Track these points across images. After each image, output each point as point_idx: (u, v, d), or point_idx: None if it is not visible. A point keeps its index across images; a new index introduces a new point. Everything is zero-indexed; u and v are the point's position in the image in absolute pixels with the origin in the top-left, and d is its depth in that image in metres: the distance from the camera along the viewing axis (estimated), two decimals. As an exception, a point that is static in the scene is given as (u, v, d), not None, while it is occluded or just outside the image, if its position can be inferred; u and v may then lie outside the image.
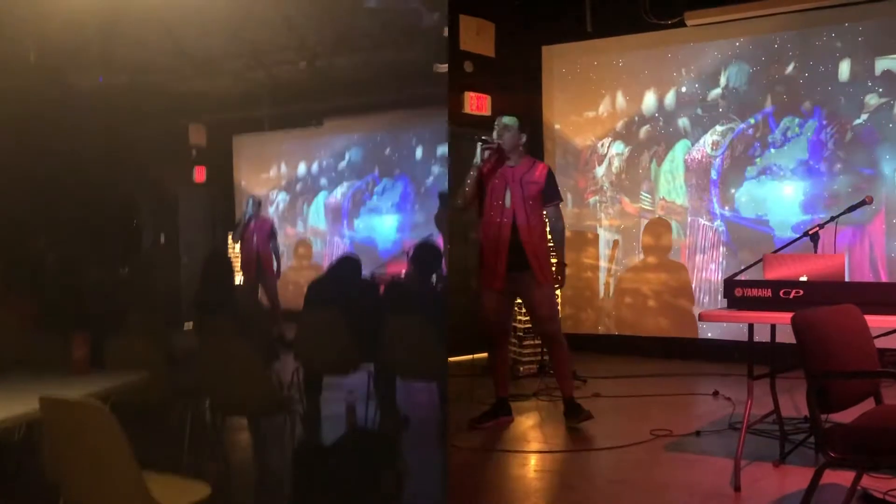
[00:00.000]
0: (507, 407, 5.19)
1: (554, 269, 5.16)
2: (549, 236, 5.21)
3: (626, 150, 7.90)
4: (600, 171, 8.03)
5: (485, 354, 5.52)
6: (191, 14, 2.10)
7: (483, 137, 4.97)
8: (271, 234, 6.45)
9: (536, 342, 6.55)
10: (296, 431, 4.86)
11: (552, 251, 5.21)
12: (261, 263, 6.12)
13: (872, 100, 6.83)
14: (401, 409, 5.57)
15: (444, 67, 2.84)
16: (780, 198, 7.20)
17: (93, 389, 3.41)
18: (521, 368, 6.56)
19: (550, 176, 5.09)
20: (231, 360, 4.37)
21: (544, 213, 5.10)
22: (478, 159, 4.90)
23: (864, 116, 6.85)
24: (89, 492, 2.84)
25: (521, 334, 6.60)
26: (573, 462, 4.37)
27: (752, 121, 7.32)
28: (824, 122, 7.02)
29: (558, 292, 5.60)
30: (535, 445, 4.64)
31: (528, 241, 4.94)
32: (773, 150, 7.24)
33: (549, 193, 5.07)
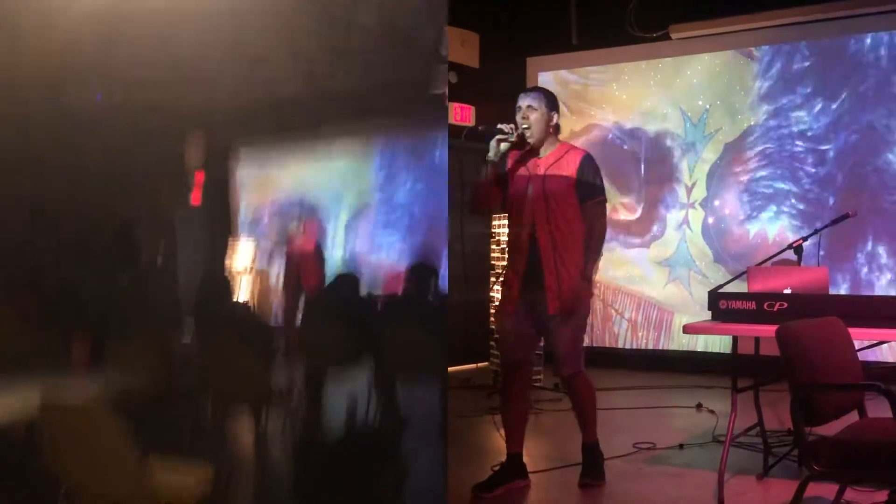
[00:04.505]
0: (522, 467, 4.12)
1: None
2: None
3: (612, 161, 7.91)
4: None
5: (463, 366, 5.30)
6: (188, 28, 2.09)
7: (498, 126, 3.88)
8: (317, 250, 6.20)
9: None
10: (296, 432, 4.78)
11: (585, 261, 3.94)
12: (301, 282, 5.93)
13: (856, 114, 6.87)
14: (400, 410, 5.50)
15: (444, 78, 2.81)
16: (766, 210, 7.22)
17: (93, 391, 3.38)
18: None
19: (586, 166, 3.93)
20: (230, 365, 4.32)
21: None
22: (491, 154, 3.85)
23: (847, 130, 6.89)
24: (91, 490, 2.82)
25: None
26: (556, 475, 4.34)
27: (737, 133, 7.35)
28: (809, 135, 7.06)
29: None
30: (517, 458, 4.60)
31: (548, 255, 3.87)
32: (758, 163, 7.26)
33: (585, 188, 3.91)
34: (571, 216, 3.91)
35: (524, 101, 3.93)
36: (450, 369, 7.38)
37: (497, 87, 8.05)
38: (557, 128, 4.04)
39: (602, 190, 4.01)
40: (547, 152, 3.97)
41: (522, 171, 3.98)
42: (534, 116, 3.91)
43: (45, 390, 2.90)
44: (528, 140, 3.92)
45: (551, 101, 3.98)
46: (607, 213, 4.12)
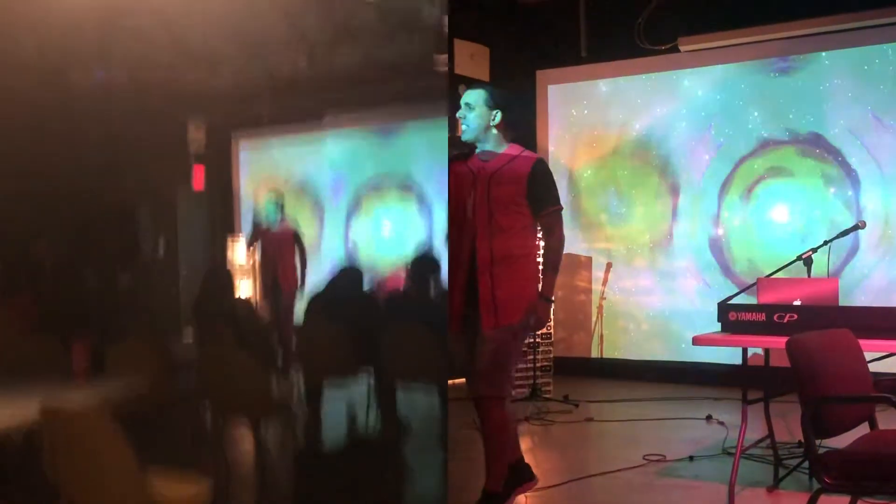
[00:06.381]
0: (525, 469, 3.90)
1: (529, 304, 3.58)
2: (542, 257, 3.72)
3: (620, 173, 7.92)
4: (594, 193, 8.04)
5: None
6: (190, 8, 2.11)
7: None
8: (294, 241, 6.05)
9: (528, 364, 6.52)
10: (296, 437, 4.78)
11: (540, 276, 3.66)
12: (276, 275, 5.81)
13: (867, 123, 6.87)
14: (401, 413, 5.48)
15: (444, 60, 2.82)
16: (771, 222, 7.21)
17: (93, 395, 3.41)
18: (513, 392, 6.52)
19: (539, 172, 3.59)
20: (231, 367, 4.34)
21: (536, 225, 3.68)
22: None
23: (860, 141, 6.89)
24: (90, 496, 2.84)
25: (513, 357, 6.57)
26: (566, 487, 4.33)
27: (744, 145, 7.35)
28: (819, 146, 7.05)
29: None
30: (527, 470, 4.59)
31: (485, 268, 3.55)
32: (766, 175, 7.26)
33: (537, 197, 3.59)
34: (517, 227, 3.59)
35: (463, 100, 3.67)
36: (458, 381, 7.39)
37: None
38: (500, 127, 3.66)
39: (557, 198, 3.67)
40: (493, 156, 3.64)
41: (466, 176, 3.65)
42: (470, 115, 3.63)
43: (44, 398, 2.91)
44: (463, 139, 3.66)
45: (494, 99, 3.65)
46: (563, 221, 3.74)
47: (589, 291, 8.03)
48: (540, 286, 3.65)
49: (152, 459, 2.81)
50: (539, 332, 6.54)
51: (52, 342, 4.19)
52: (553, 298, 3.72)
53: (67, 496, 2.97)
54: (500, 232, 3.57)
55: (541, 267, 3.69)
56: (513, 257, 3.58)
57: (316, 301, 5.62)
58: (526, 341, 6.38)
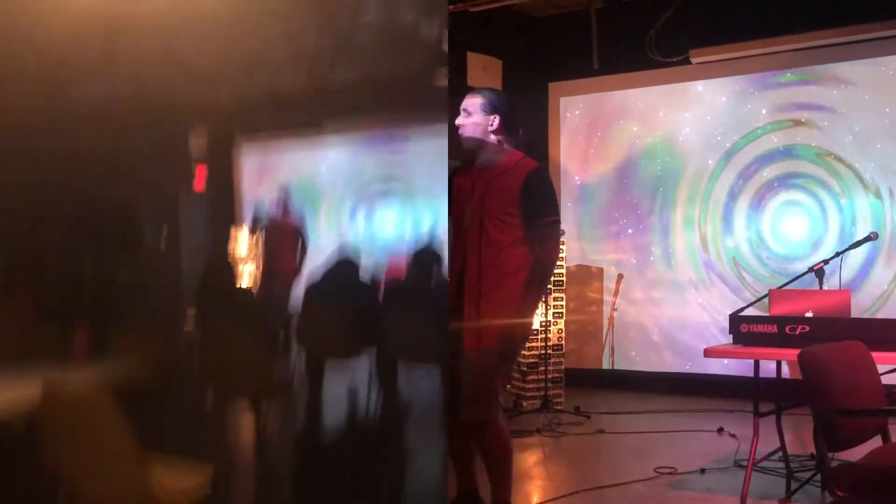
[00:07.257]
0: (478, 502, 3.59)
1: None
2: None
3: (632, 184, 7.93)
4: (606, 204, 8.04)
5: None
6: (189, 24, 2.14)
7: None
8: (295, 239, 6.00)
9: (540, 377, 6.51)
10: (296, 420, 4.79)
11: (521, 295, 3.35)
12: (272, 267, 5.79)
13: (883, 135, 6.85)
14: (402, 401, 5.47)
15: (444, 77, 2.81)
16: (785, 234, 7.20)
17: (93, 379, 3.43)
18: (525, 403, 6.53)
19: (534, 181, 3.36)
20: (232, 350, 4.36)
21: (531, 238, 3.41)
22: None
23: (873, 151, 6.87)
24: (90, 480, 2.85)
25: (524, 369, 6.57)
26: (576, 499, 4.33)
27: (755, 156, 7.34)
28: (831, 156, 7.04)
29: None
30: (538, 483, 4.59)
31: (472, 282, 3.32)
32: (777, 186, 7.25)
33: (530, 207, 3.34)
34: (508, 240, 3.36)
35: (462, 105, 3.50)
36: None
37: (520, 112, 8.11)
38: (499, 131, 3.49)
39: (554, 209, 3.43)
40: (491, 163, 3.46)
41: (466, 183, 3.48)
42: (468, 121, 3.47)
43: (44, 384, 2.92)
44: (463, 146, 3.49)
45: (492, 104, 3.47)
46: (560, 236, 3.47)
47: (600, 303, 8.03)
48: (517, 305, 3.33)
49: (154, 448, 2.82)
50: (550, 343, 6.54)
51: (53, 325, 4.21)
52: (542, 315, 3.50)
53: (68, 489, 2.98)
54: (489, 245, 3.35)
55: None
56: (502, 274, 3.34)
57: (312, 290, 5.59)
58: (516, 363, 5.93)
